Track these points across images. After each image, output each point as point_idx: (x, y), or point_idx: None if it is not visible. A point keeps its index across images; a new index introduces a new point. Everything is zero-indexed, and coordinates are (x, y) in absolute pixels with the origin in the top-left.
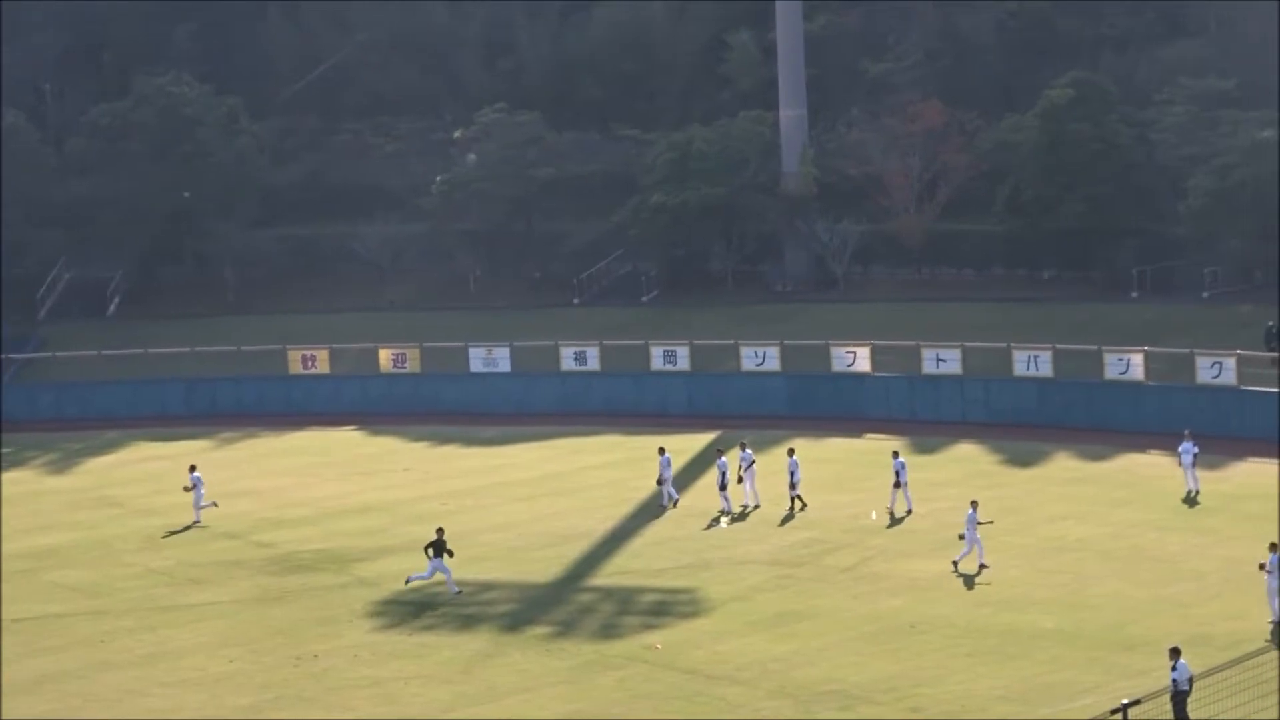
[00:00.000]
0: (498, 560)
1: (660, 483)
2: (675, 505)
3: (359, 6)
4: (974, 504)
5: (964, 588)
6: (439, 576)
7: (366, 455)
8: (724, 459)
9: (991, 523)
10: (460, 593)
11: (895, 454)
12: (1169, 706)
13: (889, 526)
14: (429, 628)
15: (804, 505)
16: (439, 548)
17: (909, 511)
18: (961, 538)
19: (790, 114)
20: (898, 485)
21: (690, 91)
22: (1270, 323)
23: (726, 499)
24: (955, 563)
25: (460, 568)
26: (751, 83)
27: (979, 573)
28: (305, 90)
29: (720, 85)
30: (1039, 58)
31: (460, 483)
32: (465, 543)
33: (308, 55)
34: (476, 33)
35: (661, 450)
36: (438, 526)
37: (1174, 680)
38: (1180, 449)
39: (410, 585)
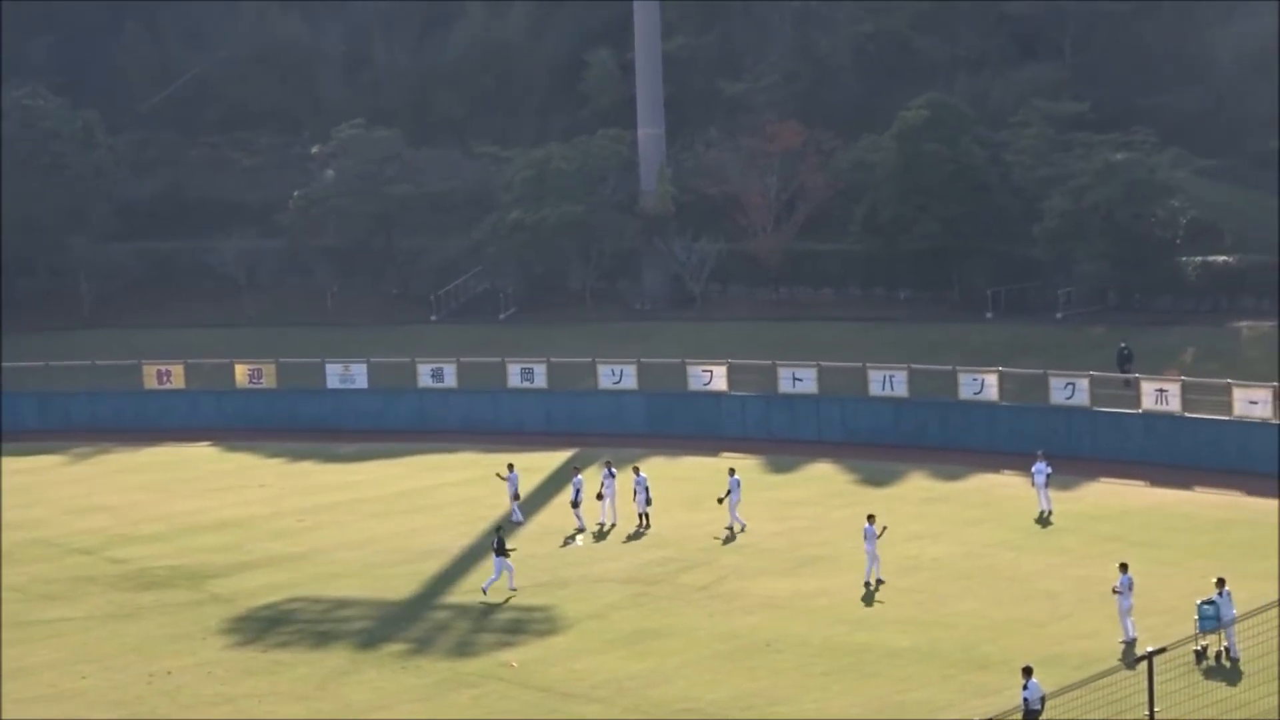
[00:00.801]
0: (353, 577)
1: (512, 499)
2: (520, 523)
3: (217, 20)
4: (870, 518)
5: (819, 606)
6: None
7: (222, 471)
8: (580, 477)
9: (885, 529)
10: (516, 590)
11: (731, 471)
12: None
13: (725, 543)
14: (283, 644)
15: (648, 525)
16: (500, 547)
17: (742, 528)
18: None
19: (648, 132)
20: (722, 501)
21: (549, 109)
22: (1122, 344)
23: (581, 517)
24: (867, 583)
25: (316, 585)
26: (610, 101)
27: (877, 588)
28: (163, 104)
29: (579, 103)
30: (895, 79)
31: (316, 499)
32: (321, 559)
33: (166, 69)
34: (335, 48)
35: (510, 467)
36: (496, 527)
37: (1025, 699)
38: (1033, 469)
39: (486, 593)
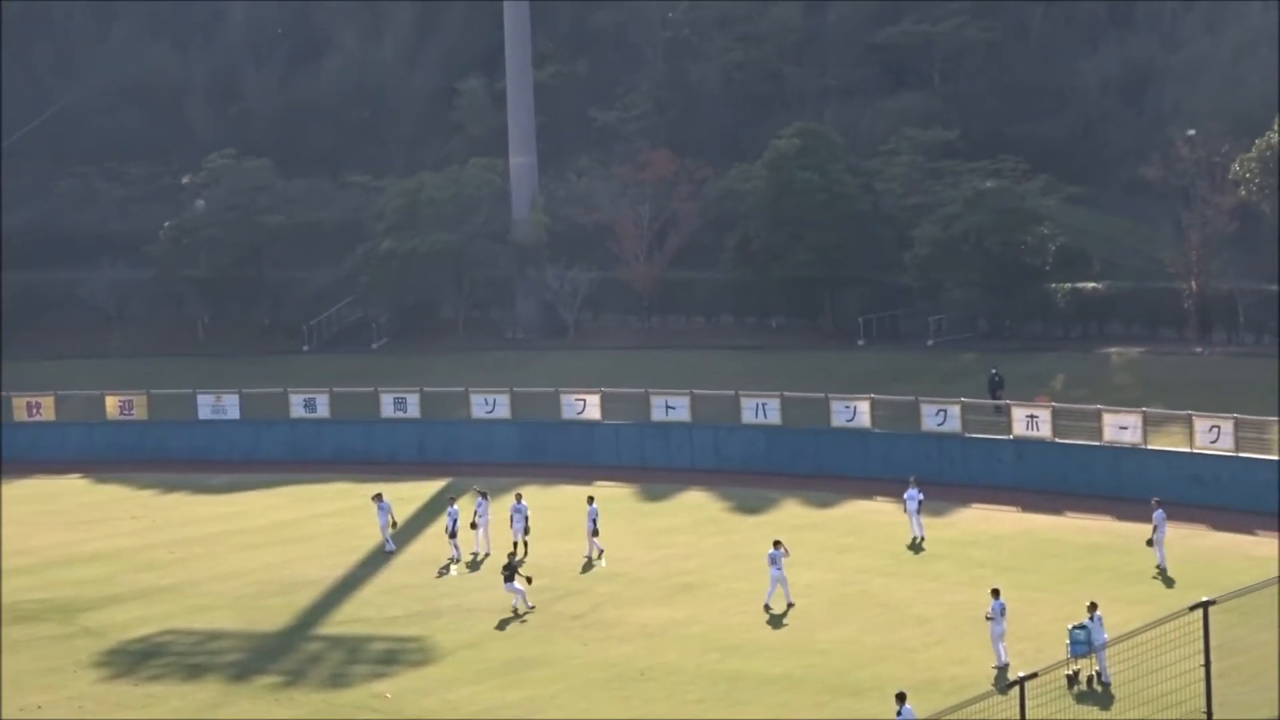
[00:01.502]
0: (226, 609)
1: (383, 529)
2: (392, 552)
3: (87, 51)
4: (776, 543)
5: (693, 634)
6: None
7: (93, 503)
8: (455, 506)
9: (788, 553)
10: (533, 608)
11: (590, 500)
12: None
13: (583, 570)
14: (156, 677)
15: (524, 554)
16: (511, 571)
17: (599, 555)
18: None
19: (520, 161)
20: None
21: (420, 138)
22: (993, 370)
23: (456, 546)
24: (767, 606)
25: (188, 617)
26: (482, 130)
27: (786, 612)
28: (32, 134)
29: (451, 132)
30: (766, 108)
31: (189, 530)
32: (193, 591)
33: (35, 100)
34: (205, 79)
35: (379, 497)
36: (509, 554)
37: None
38: (905, 495)
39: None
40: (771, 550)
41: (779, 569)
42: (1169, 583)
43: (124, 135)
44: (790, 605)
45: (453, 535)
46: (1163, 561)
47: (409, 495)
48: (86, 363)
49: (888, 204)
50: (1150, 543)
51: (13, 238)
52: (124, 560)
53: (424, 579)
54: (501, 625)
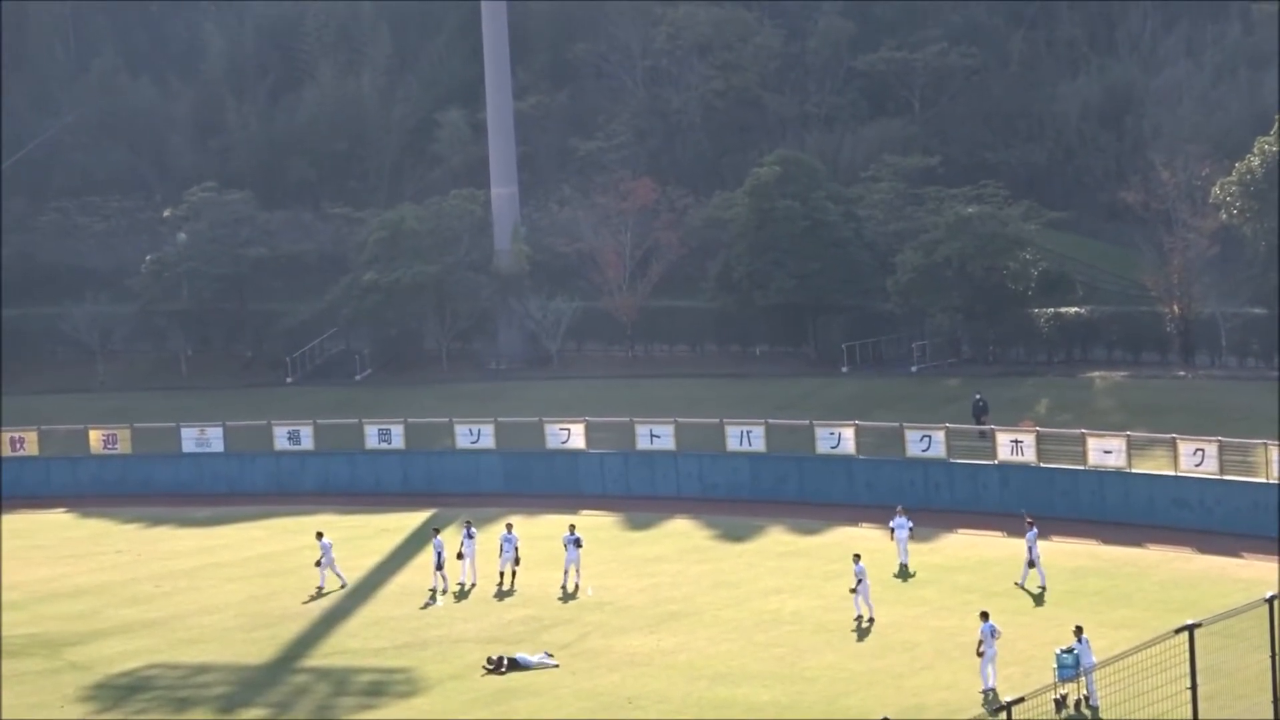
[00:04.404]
0: (212, 642)
1: (319, 565)
2: (342, 587)
3: (65, 85)
4: (856, 556)
5: (679, 662)
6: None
7: (78, 538)
8: (440, 538)
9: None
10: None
11: (571, 528)
12: None
13: (564, 601)
14: (142, 711)
15: (512, 584)
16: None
17: (575, 587)
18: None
19: (501, 192)
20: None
21: (401, 170)
22: (977, 395)
23: (444, 577)
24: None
25: (174, 650)
26: (463, 161)
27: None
28: (11, 170)
29: (432, 164)
30: (747, 136)
31: (174, 564)
32: (179, 625)
33: (12, 135)
34: (185, 113)
35: (320, 535)
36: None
37: None
38: (893, 524)
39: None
40: (857, 565)
41: (865, 588)
42: (1039, 601)
43: (104, 169)
44: (870, 620)
45: (438, 567)
46: (1043, 580)
47: (394, 526)
48: (70, 397)
49: (869, 230)
50: (1031, 563)
51: None
52: (109, 594)
53: (409, 610)
54: (488, 657)
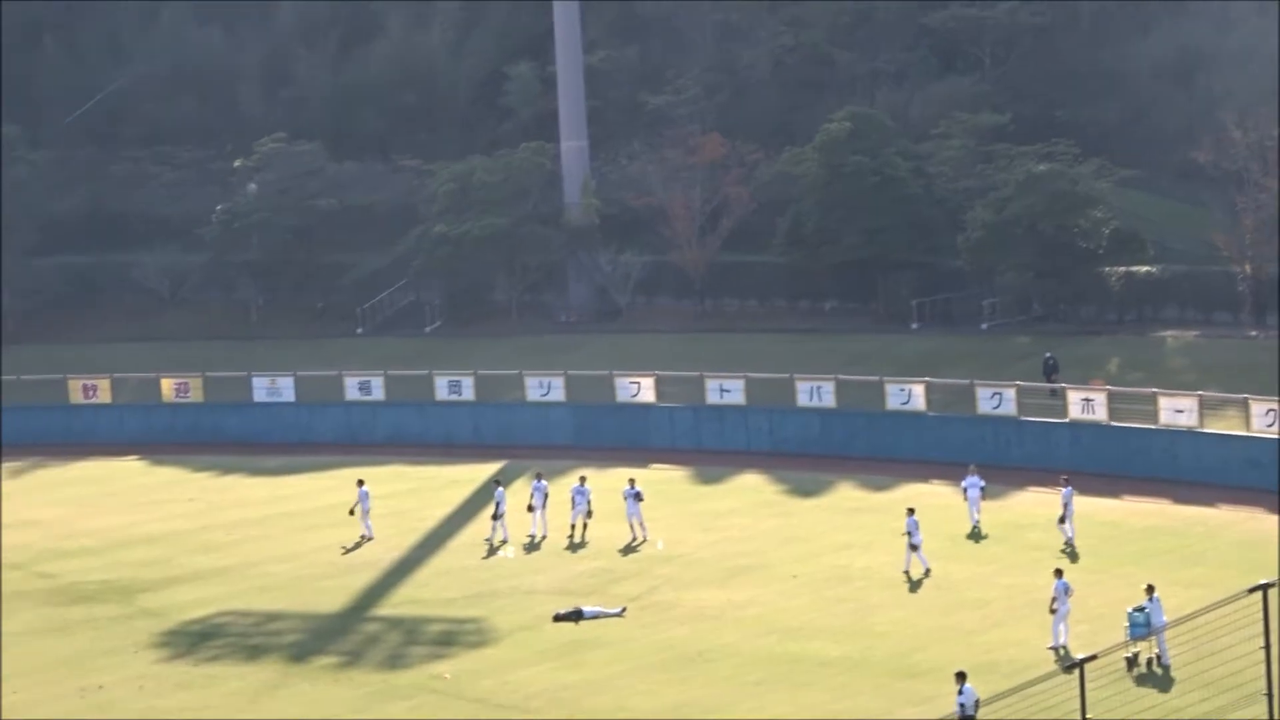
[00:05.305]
0: (283, 590)
1: (353, 514)
2: (371, 538)
3: (136, 36)
4: (910, 510)
5: (750, 616)
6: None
7: (150, 485)
8: (501, 489)
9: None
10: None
11: (631, 481)
12: None
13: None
14: (214, 658)
15: (582, 536)
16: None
17: (643, 539)
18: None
19: (571, 145)
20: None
21: (471, 123)
22: (1048, 354)
23: (503, 527)
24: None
25: (246, 598)
26: (532, 114)
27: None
28: (83, 119)
29: (501, 117)
30: (816, 92)
31: (245, 513)
32: (250, 573)
33: (86, 84)
34: (256, 63)
35: (360, 483)
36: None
37: (960, 705)
38: (965, 483)
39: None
40: (909, 518)
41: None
42: (1073, 557)
43: (175, 119)
44: (926, 572)
45: (497, 518)
46: (1072, 536)
47: (464, 478)
48: (140, 346)
49: (939, 187)
50: (1062, 520)
51: (66, 221)
52: (181, 542)
53: (480, 561)
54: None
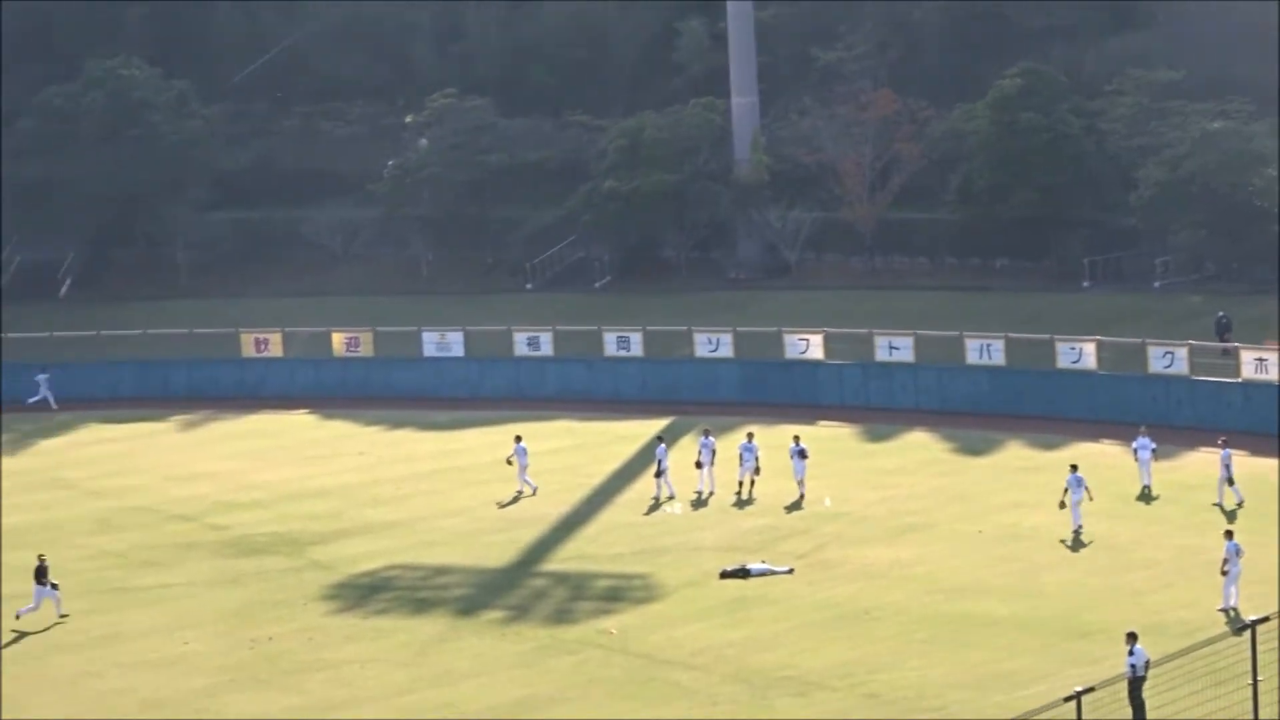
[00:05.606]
0: (451, 545)
1: (510, 462)
2: (533, 493)
3: None
4: (1074, 466)
5: (917, 575)
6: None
7: (320, 439)
8: (663, 446)
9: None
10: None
11: (796, 439)
12: (1123, 693)
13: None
14: (383, 611)
15: (750, 493)
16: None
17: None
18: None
19: (741, 101)
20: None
21: (641, 79)
22: (1220, 313)
23: (668, 484)
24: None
25: (414, 552)
26: (702, 70)
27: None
28: (255, 75)
29: (671, 73)
30: (988, 48)
31: (413, 467)
32: (419, 527)
33: (258, 40)
34: (427, 19)
35: (518, 438)
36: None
37: (1131, 665)
38: (1135, 444)
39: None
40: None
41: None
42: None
43: (346, 75)
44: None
45: (659, 475)
46: (1239, 497)
47: (632, 433)
48: (310, 300)
49: (1112, 144)
50: (1231, 481)
51: (238, 176)
52: (351, 496)
53: (646, 517)
54: (723, 565)
